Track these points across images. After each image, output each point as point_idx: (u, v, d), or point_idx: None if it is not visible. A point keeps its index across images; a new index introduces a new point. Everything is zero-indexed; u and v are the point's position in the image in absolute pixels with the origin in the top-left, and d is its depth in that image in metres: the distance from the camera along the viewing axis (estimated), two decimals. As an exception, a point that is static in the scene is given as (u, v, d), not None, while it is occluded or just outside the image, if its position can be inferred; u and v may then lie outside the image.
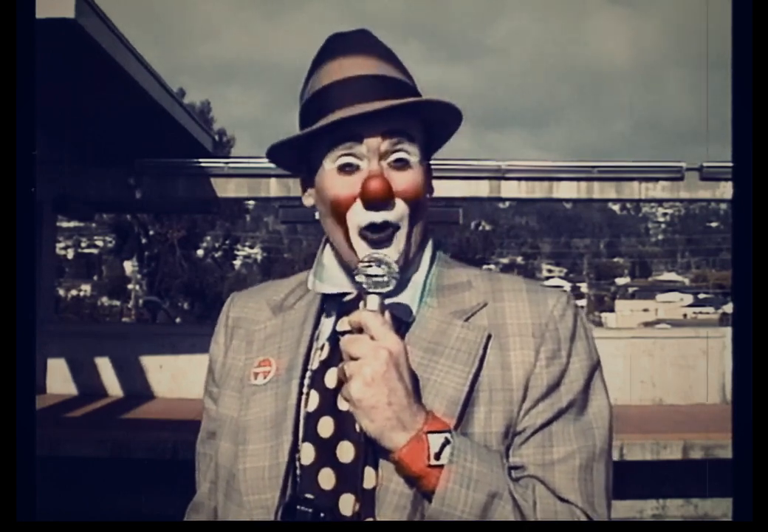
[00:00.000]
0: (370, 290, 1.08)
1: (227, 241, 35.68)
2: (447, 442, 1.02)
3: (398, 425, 1.02)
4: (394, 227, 1.13)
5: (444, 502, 1.01)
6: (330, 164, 1.14)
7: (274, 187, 12.36)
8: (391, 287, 1.08)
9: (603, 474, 1.11)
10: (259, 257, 58.77)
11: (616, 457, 8.09)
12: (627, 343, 11.05)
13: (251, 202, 24.62)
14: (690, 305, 57.15)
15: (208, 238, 35.63)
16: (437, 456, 1.01)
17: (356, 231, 1.14)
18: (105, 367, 11.22)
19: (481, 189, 12.51)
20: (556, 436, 1.10)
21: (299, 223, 18.43)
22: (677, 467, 8.39)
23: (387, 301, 1.10)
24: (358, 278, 1.08)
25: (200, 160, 12.37)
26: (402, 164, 1.14)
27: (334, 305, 1.20)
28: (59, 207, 11.84)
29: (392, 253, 1.13)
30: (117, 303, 42.14)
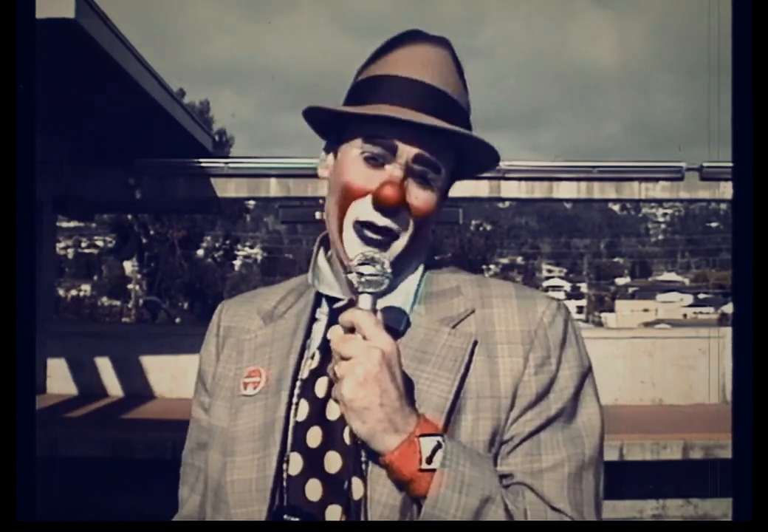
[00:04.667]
0: (363, 289, 1.06)
1: (227, 241, 35.68)
2: (439, 446, 1.01)
3: (390, 428, 1.01)
4: (392, 237, 1.12)
5: (436, 506, 1.00)
6: (358, 150, 1.13)
7: (274, 187, 12.35)
8: (384, 287, 1.06)
9: (592, 483, 1.09)
10: (259, 257, 58.78)
11: (616, 457, 8.10)
12: (627, 343, 11.05)
13: (251, 202, 24.61)
14: (690, 305, 57.20)
15: (209, 238, 35.64)
16: (429, 460, 1.00)
17: (351, 222, 1.12)
18: (105, 367, 11.22)
19: (481, 189, 12.52)
20: (544, 444, 1.08)
21: (299, 223, 18.45)
22: (677, 467, 8.39)
23: (379, 306, 1.08)
24: (350, 277, 1.06)
25: (200, 160, 12.38)
26: (424, 183, 1.13)
27: (325, 311, 1.19)
28: (59, 207, 11.84)
29: (384, 256, 1.10)
30: (117, 303, 42.14)
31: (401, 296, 1.16)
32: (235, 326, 1.26)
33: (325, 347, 1.14)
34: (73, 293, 45.26)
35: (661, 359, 11.06)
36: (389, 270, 1.07)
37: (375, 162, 1.12)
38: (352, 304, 1.11)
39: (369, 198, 1.11)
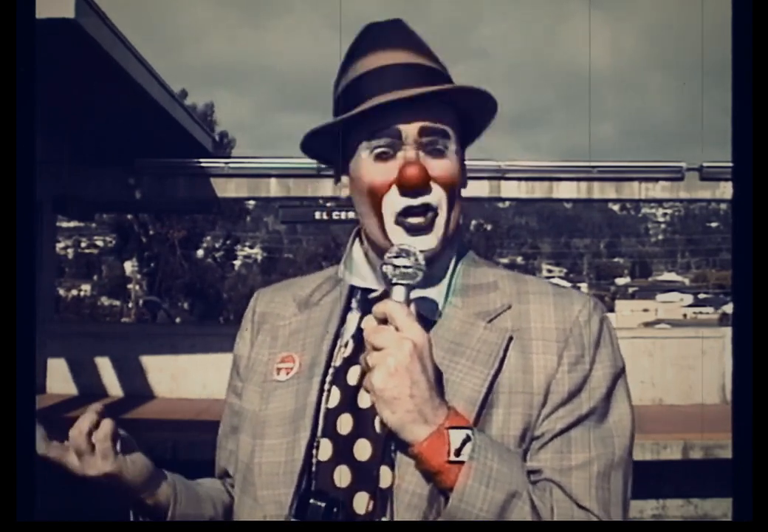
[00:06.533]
0: (397, 281, 1.07)
1: (228, 242, 35.68)
2: (468, 438, 1.02)
3: (419, 418, 1.01)
4: (433, 212, 1.13)
5: (462, 499, 1.00)
6: (366, 152, 1.15)
7: (274, 187, 12.35)
8: (418, 279, 1.08)
9: (621, 483, 1.10)
10: (259, 257, 58.76)
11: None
12: (627, 343, 11.01)
13: (251, 202, 24.62)
14: (690, 305, 57.12)
15: (209, 238, 35.63)
16: (457, 452, 1.01)
17: (392, 218, 1.13)
18: (105, 367, 11.22)
19: (481, 189, 12.52)
20: (574, 442, 1.09)
21: (299, 223, 18.45)
22: (677, 467, 8.39)
23: (413, 296, 1.10)
24: (384, 269, 1.08)
25: (200, 160, 12.37)
26: (438, 153, 1.14)
27: (360, 301, 1.20)
28: (59, 207, 11.84)
29: (431, 239, 1.13)
30: (117, 303, 42.11)
31: (436, 287, 1.17)
32: (270, 312, 1.27)
33: (359, 336, 1.15)
34: (74, 292, 45.27)
35: (661, 359, 11.06)
36: (423, 263, 1.09)
37: (386, 155, 1.14)
38: (386, 294, 1.13)
39: (395, 188, 1.13)
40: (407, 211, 1.13)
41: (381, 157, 1.14)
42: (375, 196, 1.14)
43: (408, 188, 1.11)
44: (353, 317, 1.19)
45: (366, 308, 1.18)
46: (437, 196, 1.13)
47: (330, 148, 1.21)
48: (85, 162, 11.92)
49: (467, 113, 1.19)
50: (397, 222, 1.13)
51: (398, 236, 1.13)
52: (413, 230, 1.13)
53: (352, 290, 1.21)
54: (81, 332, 11.93)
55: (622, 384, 1.14)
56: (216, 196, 12.70)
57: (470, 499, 1.00)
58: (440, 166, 1.14)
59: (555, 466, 1.07)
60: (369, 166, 1.14)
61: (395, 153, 1.13)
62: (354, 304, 1.20)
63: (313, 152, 1.24)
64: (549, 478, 1.07)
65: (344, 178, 1.22)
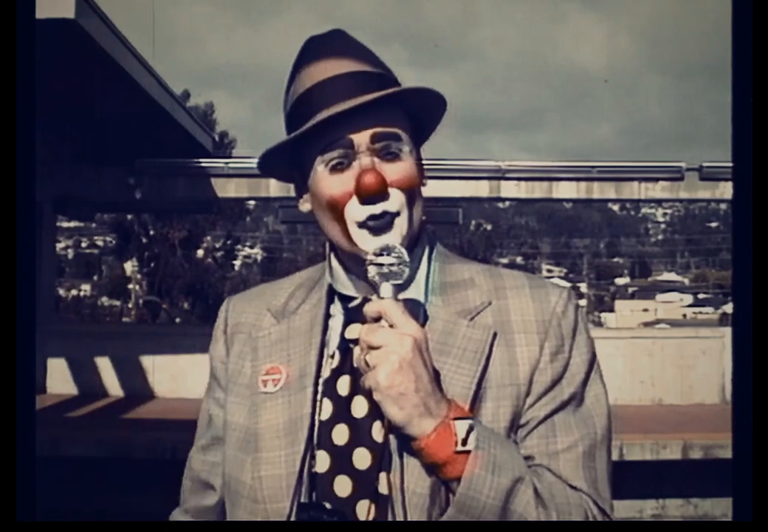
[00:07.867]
0: (384, 281, 1.07)
1: (228, 242, 35.62)
2: (471, 428, 1.04)
3: (426, 412, 1.03)
4: (393, 215, 1.13)
5: (470, 487, 1.02)
6: (322, 165, 1.15)
7: (273, 187, 12.35)
8: (405, 276, 1.08)
9: (605, 460, 1.14)
10: (259, 257, 58.75)
11: (615, 457, 8.09)
12: (627, 343, 11.05)
13: (252, 202, 24.61)
14: (690, 305, 57.11)
15: (209, 238, 35.60)
16: (464, 442, 1.03)
17: (355, 226, 1.14)
18: (105, 367, 11.22)
19: (481, 189, 12.52)
20: (558, 427, 1.12)
21: (299, 223, 18.45)
22: (677, 467, 8.39)
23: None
24: (370, 269, 1.08)
25: (200, 160, 12.38)
26: (392, 157, 1.14)
27: (340, 308, 1.20)
28: (59, 207, 11.84)
29: (395, 238, 1.12)
30: (117, 303, 42.04)
31: (413, 287, 1.18)
32: (244, 322, 1.26)
33: (345, 347, 1.16)
34: (74, 292, 45.23)
35: (661, 359, 11.05)
36: (407, 257, 1.09)
37: (342, 166, 1.14)
38: (366, 302, 1.13)
39: (354, 198, 1.13)
40: (369, 218, 1.13)
41: (336, 169, 1.14)
42: (335, 208, 1.14)
43: (367, 196, 1.12)
44: (335, 324, 1.19)
45: (347, 316, 1.19)
46: (397, 200, 1.13)
47: (286, 167, 1.22)
48: (85, 162, 11.92)
49: (417, 113, 1.19)
50: (359, 226, 1.14)
51: (362, 238, 1.13)
52: (376, 231, 1.13)
53: (330, 296, 1.22)
54: (81, 332, 11.93)
55: (596, 367, 1.19)
56: (216, 197, 12.70)
57: (478, 487, 1.02)
58: (396, 170, 1.14)
59: (542, 451, 1.11)
60: (326, 179, 1.14)
61: (350, 163, 1.13)
62: (333, 310, 1.21)
63: (270, 172, 1.25)
64: (539, 463, 1.11)
65: (306, 196, 1.22)
